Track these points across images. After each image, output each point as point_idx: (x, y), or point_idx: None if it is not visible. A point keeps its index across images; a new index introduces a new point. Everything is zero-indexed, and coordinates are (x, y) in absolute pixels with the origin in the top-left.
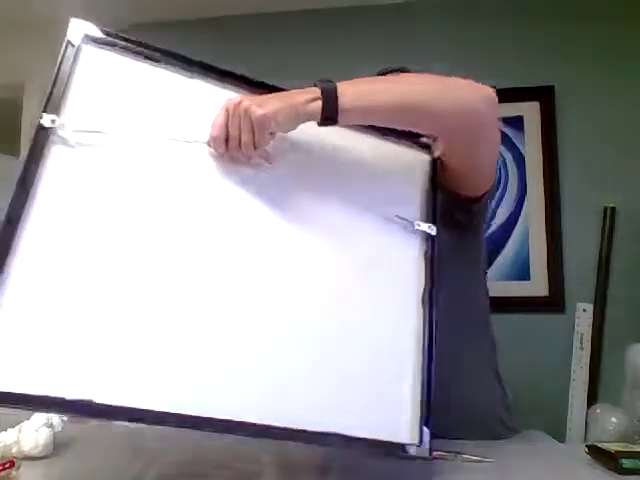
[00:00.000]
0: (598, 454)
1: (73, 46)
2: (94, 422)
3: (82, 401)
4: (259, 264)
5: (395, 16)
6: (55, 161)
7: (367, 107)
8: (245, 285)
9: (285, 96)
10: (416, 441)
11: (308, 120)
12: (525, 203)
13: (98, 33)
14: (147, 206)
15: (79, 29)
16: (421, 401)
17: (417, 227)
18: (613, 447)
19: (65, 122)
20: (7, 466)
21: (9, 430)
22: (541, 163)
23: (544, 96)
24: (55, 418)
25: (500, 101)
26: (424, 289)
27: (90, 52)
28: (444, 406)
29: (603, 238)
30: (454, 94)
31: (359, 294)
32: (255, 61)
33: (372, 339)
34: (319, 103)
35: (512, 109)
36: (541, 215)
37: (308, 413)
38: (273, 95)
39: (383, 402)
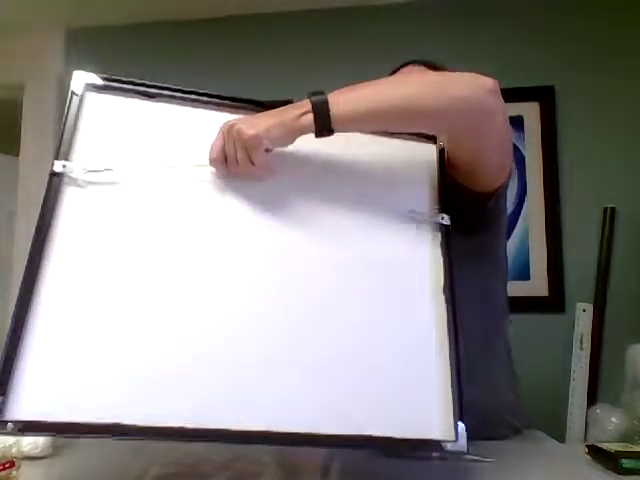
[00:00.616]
0: (598, 454)
1: (77, 95)
2: None
3: (112, 425)
4: (273, 269)
5: (395, 16)
6: (69, 201)
7: (361, 115)
8: (262, 295)
9: (276, 113)
10: (451, 437)
11: (303, 134)
12: (525, 203)
13: (98, 80)
14: (160, 234)
15: (81, 79)
16: (453, 396)
17: (430, 219)
18: (613, 447)
19: (75, 165)
20: (7, 466)
21: None
22: (541, 163)
23: (544, 96)
24: None
25: None
26: (444, 282)
27: (92, 98)
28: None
29: (603, 238)
30: (452, 90)
31: (376, 292)
32: (254, 61)
33: (395, 336)
34: (310, 117)
35: (512, 109)
36: (541, 215)
37: (336, 416)
38: (265, 113)
39: (412, 400)
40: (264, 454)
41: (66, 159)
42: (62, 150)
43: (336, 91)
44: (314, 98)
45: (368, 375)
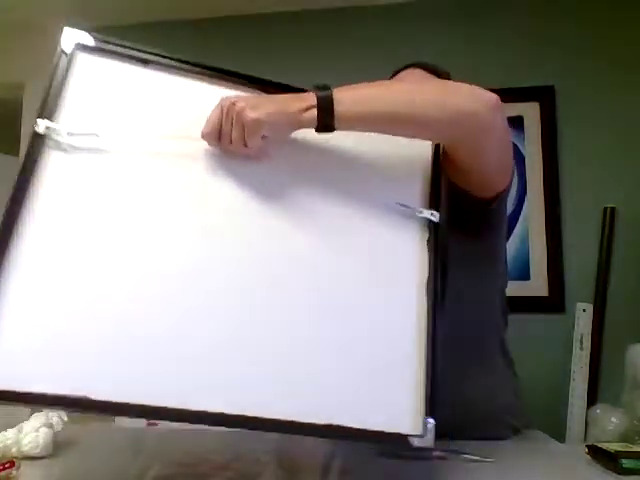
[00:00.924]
0: (598, 454)
1: (66, 55)
2: (95, 423)
3: (78, 397)
4: (258, 253)
5: (395, 17)
6: (51, 165)
7: (364, 115)
8: (248, 274)
9: (281, 101)
10: (419, 432)
11: (303, 128)
12: (525, 203)
13: (90, 41)
14: (140, 206)
15: (72, 37)
16: (425, 392)
17: (419, 214)
18: (613, 447)
19: (59, 127)
20: (7, 466)
21: (9, 430)
22: (541, 163)
23: (544, 96)
24: (55, 418)
25: (500, 101)
26: (427, 278)
27: (83, 59)
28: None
29: (603, 238)
30: (454, 102)
31: (359, 281)
32: (254, 61)
33: (373, 327)
34: (314, 112)
35: (512, 109)
36: (541, 215)
37: (305, 403)
38: (269, 98)
39: (384, 392)
40: (264, 454)
41: (50, 120)
42: (46, 110)
43: (341, 88)
44: (320, 93)
45: (342, 362)
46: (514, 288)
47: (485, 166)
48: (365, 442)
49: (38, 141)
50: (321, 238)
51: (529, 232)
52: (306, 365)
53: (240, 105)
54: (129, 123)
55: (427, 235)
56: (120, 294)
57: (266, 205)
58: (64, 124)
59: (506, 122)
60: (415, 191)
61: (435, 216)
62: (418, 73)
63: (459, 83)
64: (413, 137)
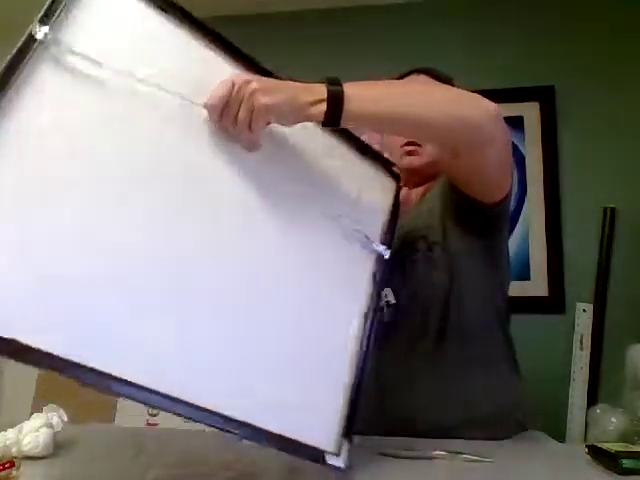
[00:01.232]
0: (598, 454)
1: None
2: (95, 423)
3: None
4: (207, 247)
5: (395, 17)
6: (41, 80)
7: (371, 115)
8: (192, 265)
9: (291, 91)
10: (335, 451)
11: (309, 121)
12: (525, 203)
13: None
14: (127, 160)
15: None
16: (347, 412)
17: (374, 247)
18: (613, 447)
19: (63, 40)
20: (7, 466)
21: (9, 430)
22: (541, 163)
23: (544, 96)
24: (55, 418)
25: (500, 101)
26: (366, 310)
27: None
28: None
29: (603, 238)
30: (462, 112)
31: (308, 296)
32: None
33: (311, 337)
34: (323, 106)
35: (512, 109)
36: (541, 215)
37: (229, 397)
38: (281, 85)
39: (314, 403)
40: (264, 455)
41: (52, 30)
42: (50, 17)
43: (352, 84)
44: (332, 88)
45: (279, 372)
46: (514, 288)
47: (486, 175)
48: (281, 449)
49: (31, 47)
50: (273, 244)
51: (529, 232)
52: (246, 364)
53: (253, 86)
54: (134, 66)
55: (375, 268)
56: (66, 238)
57: (241, 192)
58: (67, 39)
59: (507, 132)
60: (377, 224)
61: (386, 253)
62: (422, 79)
63: (464, 91)
64: (416, 139)
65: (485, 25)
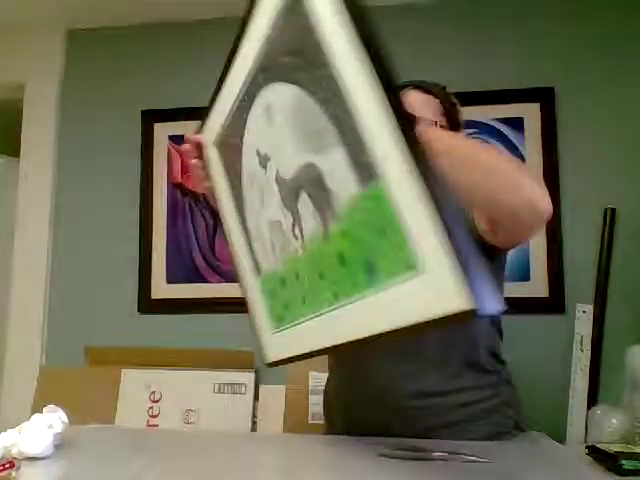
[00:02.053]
0: (598, 455)
1: None
2: (95, 423)
3: None
4: None
5: (396, 17)
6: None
7: (444, 150)
8: None
9: None
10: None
11: None
12: None
13: None
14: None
15: None
16: None
17: None
18: (613, 448)
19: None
20: (7, 466)
21: (9, 431)
22: (541, 164)
23: (544, 97)
24: (55, 418)
25: (500, 102)
26: None
27: None
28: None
29: (603, 239)
30: (515, 193)
31: None
32: None
33: None
34: None
35: (512, 110)
36: None
37: None
38: None
39: None
40: (264, 454)
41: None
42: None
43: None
44: None
45: None
46: (514, 289)
47: (515, 243)
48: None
49: None
50: None
51: None
52: None
53: None
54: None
55: None
56: None
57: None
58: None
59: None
60: None
61: None
62: (414, 95)
63: (523, 171)
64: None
65: (485, 26)
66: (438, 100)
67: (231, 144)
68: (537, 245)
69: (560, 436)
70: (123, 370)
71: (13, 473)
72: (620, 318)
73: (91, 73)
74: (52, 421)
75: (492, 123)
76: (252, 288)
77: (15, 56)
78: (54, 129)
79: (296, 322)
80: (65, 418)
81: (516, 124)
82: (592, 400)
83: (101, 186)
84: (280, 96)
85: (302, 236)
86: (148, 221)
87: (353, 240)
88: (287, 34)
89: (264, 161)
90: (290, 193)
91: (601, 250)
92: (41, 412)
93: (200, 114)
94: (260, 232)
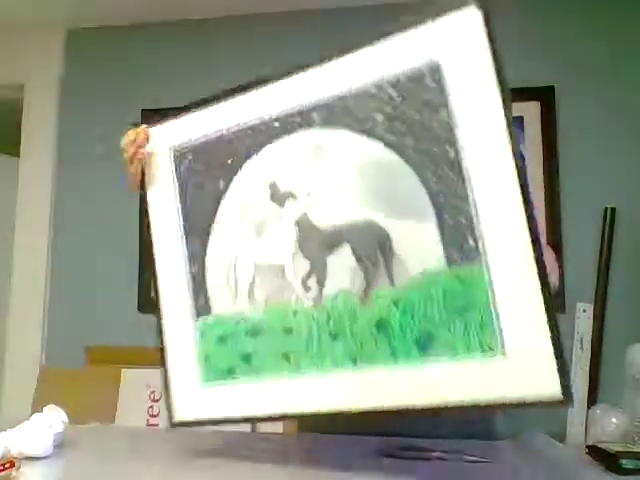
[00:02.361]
0: (598, 454)
1: None
2: (95, 423)
3: None
4: None
5: (395, 16)
6: None
7: None
8: None
9: None
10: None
11: None
12: None
13: None
14: None
15: None
16: None
17: None
18: (613, 447)
19: None
20: (7, 466)
21: (9, 430)
22: (541, 163)
23: (544, 96)
24: (55, 418)
25: None
26: None
27: None
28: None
29: (603, 238)
30: None
31: None
32: (255, 61)
33: None
34: None
35: (512, 109)
36: (541, 215)
37: None
38: None
39: None
40: (264, 454)
41: None
42: None
43: None
44: None
45: None
46: None
47: None
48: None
49: None
50: None
51: None
52: None
53: None
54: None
55: None
56: None
57: None
58: None
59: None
60: None
61: None
62: None
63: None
64: None
65: None
66: None
67: (210, 160)
68: None
69: (560, 436)
70: (123, 370)
71: (13, 473)
72: (620, 317)
73: (91, 73)
74: (52, 421)
75: None
76: (178, 327)
77: (15, 56)
78: (54, 129)
79: (264, 377)
80: (65, 418)
81: (516, 122)
82: (592, 399)
83: (101, 185)
84: (347, 145)
85: (320, 289)
86: (149, 220)
87: (410, 310)
88: (404, 97)
89: (283, 197)
90: (323, 241)
91: (601, 249)
92: (41, 412)
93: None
94: (226, 268)
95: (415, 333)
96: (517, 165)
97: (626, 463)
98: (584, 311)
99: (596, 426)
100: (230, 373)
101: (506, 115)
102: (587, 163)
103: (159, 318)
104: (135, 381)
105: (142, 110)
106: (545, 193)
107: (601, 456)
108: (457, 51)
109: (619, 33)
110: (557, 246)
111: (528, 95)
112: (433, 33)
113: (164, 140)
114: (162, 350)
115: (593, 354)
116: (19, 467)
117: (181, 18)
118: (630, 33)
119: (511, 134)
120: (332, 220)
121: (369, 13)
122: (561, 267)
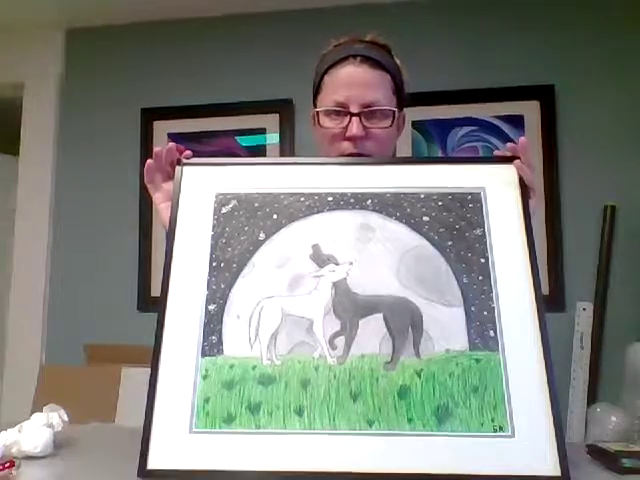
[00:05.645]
0: (598, 453)
1: None
2: (95, 423)
3: None
4: None
5: (397, 15)
6: None
7: None
8: None
9: None
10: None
11: None
12: None
13: None
14: None
15: None
16: None
17: None
18: (613, 446)
19: None
20: (7, 466)
21: (9, 430)
22: (541, 163)
23: (544, 95)
24: (55, 418)
25: (500, 100)
26: None
27: None
28: None
29: (603, 237)
30: None
31: None
32: (254, 61)
33: None
34: None
35: (512, 108)
36: (541, 214)
37: None
38: None
39: None
40: None
41: None
42: None
43: None
44: None
45: None
46: None
47: None
48: None
49: None
50: None
51: None
52: None
53: None
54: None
55: None
56: None
57: None
58: None
59: None
60: None
61: None
62: (374, 78)
63: None
64: None
65: (485, 24)
66: (389, 76)
67: (255, 211)
68: (537, 244)
69: None
70: (123, 368)
71: (13, 472)
72: (620, 316)
73: (91, 72)
74: (52, 420)
75: (492, 120)
76: (179, 361)
77: (15, 56)
78: (54, 128)
79: (270, 430)
80: (65, 417)
81: (516, 121)
82: (592, 398)
83: (100, 184)
84: (394, 232)
85: (346, 349)
86: (148, 219)
87: (432, 382)
88: (450, 210)
89: (323, 259)
90: (358, 306)
91: (601, 247)
92: (41, 411)
93: (199, 112)
94: (250, 312)
95: (434, 404)
96: (534, 274)
97: (626, 462)
98: (584, 310)
99: (596, 425)
100: (229, 421)
101: (529, 239)
102: (587, 160)
103: (157, 346)
104: (135, 380)
105: (142, 109)
106: (545, 192)
107: (601, 455)
108: (496, 189)
109: (619, 33)
110: (557, 245)
111: (528, 94)
112: (480, 172)
113: (206, 180)
114: (151, 382)
115: (593, 353)
116: (19, 466)
117: (181, 17)
118: (630, 33)
119: (532, 253)
120: (370, 290)
121: (370, 12)
122: (561, 266)
